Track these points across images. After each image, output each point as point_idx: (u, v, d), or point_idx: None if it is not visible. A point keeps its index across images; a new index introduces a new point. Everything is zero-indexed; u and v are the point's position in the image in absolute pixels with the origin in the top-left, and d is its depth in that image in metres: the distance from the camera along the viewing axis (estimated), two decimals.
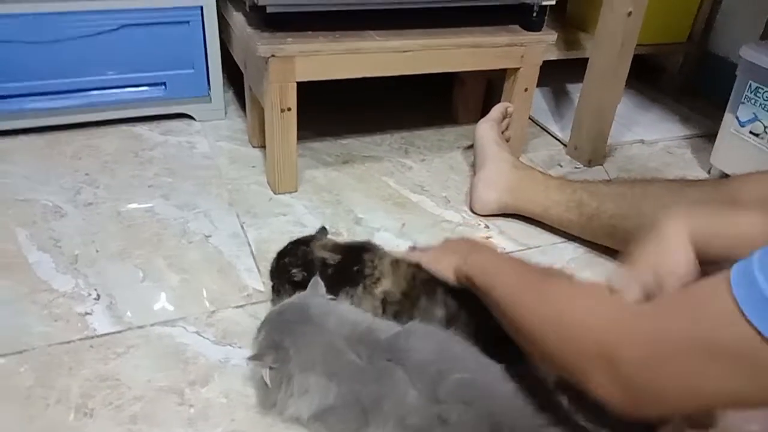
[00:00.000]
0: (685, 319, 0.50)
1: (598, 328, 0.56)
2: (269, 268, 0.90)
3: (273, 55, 1.05)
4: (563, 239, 1.12)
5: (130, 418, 0.74)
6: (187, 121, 1.40)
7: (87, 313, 0.88)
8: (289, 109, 1.11)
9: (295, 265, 0.86)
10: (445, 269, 0.81)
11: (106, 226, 1.06)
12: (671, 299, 0.57)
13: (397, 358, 0.71)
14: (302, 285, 0.82)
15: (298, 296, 0.79)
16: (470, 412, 0.67)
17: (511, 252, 1.09)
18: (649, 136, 1.54)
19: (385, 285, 0.83)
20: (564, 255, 1.08)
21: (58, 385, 0.78)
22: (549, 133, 1.51)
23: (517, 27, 1.25)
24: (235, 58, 1.31)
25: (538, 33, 1.24)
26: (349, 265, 0.85)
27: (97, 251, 1.00)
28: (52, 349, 0.82)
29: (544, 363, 0.62)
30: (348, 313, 0.78)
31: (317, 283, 0.80)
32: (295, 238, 0.92)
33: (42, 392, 0.76)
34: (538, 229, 1.13)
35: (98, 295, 0.91)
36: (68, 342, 0.83)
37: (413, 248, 0.93)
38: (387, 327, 0.77)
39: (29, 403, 0.75)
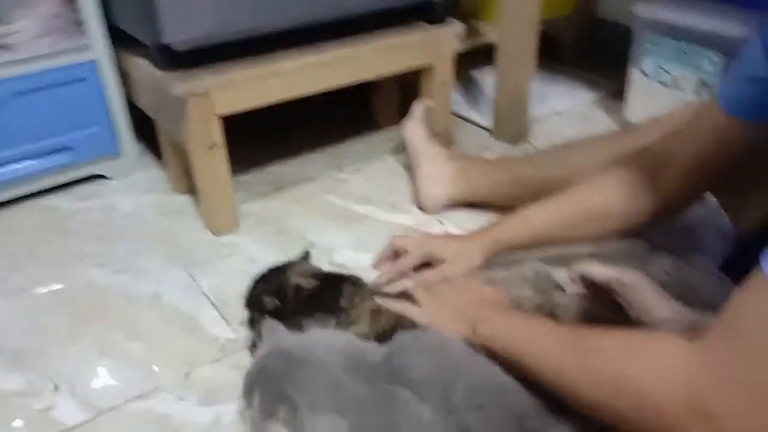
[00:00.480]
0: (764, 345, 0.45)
1: (677, 385, 0.49)
2: (245, 296, 0.85)
3: (190, 94, 1.00)
4: None
5: None
6: (101, 181, 1.31)
7: (49, 408, 0.80)
8: (216, 145, 1.06)
9: (267, 292, 0.82)
10: (449, 334, 0.74)
11: (45, 310, 0.97)
12: (736, 328, 0.49)
13: (397, 379, 0.68)
14: (274, 313, 0.78)
15: (265, 345, 0.75)
16: (488, 415, 0.66)
17: None
18: (562, 106, 1.59)
19: (361, 329, 0.79)
20: None
21: None
22: (470, 122, 1.53)
23: (424, 24, 1.25)
24: (142, 107, 1.24)
25: (445, 25, 1.25)
26: (325, 292, 0.81)
27: (42, 339, 0.91)
28: None
29: (617, 427, 0.54)
30: (330, 340, 0.74)
31: (272, 325, 0.76)
32: (274, 265, 0.88)
33: None
34: (491, 213, 1.13)
35: (56, 386, 0.83)
36: None
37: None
38: (374, 347, 0.74)
39: None
